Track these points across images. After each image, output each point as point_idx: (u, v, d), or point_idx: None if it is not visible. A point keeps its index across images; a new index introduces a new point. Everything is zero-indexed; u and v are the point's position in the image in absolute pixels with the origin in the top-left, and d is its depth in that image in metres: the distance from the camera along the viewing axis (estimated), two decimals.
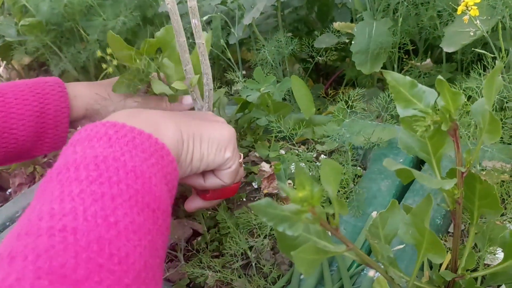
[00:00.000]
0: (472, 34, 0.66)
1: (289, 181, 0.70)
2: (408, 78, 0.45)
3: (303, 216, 0.35)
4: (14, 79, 1.38)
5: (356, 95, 0.70)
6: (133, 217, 0.39)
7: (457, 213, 0.49)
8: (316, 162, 0.82)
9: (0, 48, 1.26)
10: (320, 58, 1.03)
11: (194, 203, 0.67)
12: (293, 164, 0.80)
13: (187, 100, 0.80)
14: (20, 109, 0.71)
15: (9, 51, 1.28)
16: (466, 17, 0.56)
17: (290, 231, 0.37)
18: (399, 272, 0.50)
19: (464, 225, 0.69)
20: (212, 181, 0.62)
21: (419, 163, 0.82)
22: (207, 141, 0.58)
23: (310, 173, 0.81)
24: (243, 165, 0.88)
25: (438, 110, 0.44)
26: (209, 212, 0.75)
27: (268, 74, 0.81)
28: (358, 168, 0.81)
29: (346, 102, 0.71)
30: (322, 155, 0.85)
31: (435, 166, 0.49)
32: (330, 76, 1.25)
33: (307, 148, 0.87)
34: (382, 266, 0.48)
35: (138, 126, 0.49)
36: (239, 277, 0.64)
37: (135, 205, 0.40)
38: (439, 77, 0.41)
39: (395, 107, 0.74)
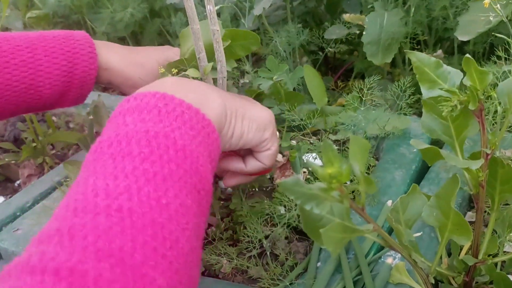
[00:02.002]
0: (491, 19, 0.65)
1: (304, 170, 0.70)
2: (433, 58, 0.44)
3: (332, 194, 0.35)
4: None
5: (372, 83, 0.70)
6: (183, 199, 0.39)
7: (480, 197, 0.49)
8: None
9: None
10: (330, 49, 1.02)
11: (235, 179, 0.66)
12: (306, 154, 0.80)
13: None
14: (49, 67, 0.71)
15: None
16: (487, 1, 0.55)
17: (317, 209, 0.36)
18: (420, 257, 0.50)
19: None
20: (253, 165, 0.62)
21: None
22: (248, 118, 0.58)
23: (322, 162, 0.81)
24: None
25: (464, 91, 0.44)
26: (221, 202, 0.75)
27: (280, 63, 0.81)
28: (371, 158, 0.81)
29: (361, 89, 0.71)
30: (334, 146, 0.84)
31: (457, 149, 0.49)
32: (338, 70, 1.24)
33: (319, 139, 0.86)
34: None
35: (185, 96, 0.49)
36: (255, 265, 0.63)
37: (184, 186, 0.40)
38: (467, 55, 0.41)
39: (409, 95, 0.74)
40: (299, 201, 0.36)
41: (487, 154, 0.45)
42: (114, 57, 0.79)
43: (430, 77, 0.44)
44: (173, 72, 0.69)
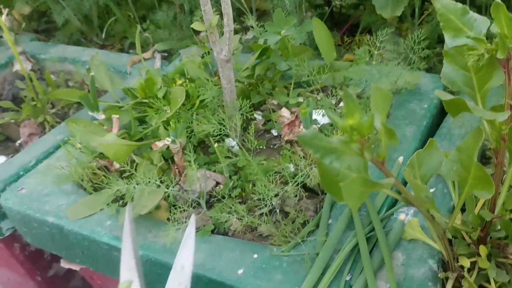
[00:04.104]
0: None
1: (314, 126, 0.68)
2: (459, 4, 0.41)
3: (353, 146, 0.33)
4: (16, 30, 1.33)
5: (384, 36, 0.67)
6: None
7: (500, 151, 0.47)
8: (336, 109, 0.80)
9: None
10: (337, 1, 0.99)
11: None
12: (313, 110, 0.78)
13: None
14: None
15: (10, 0, 1.23)
16: None
17: (337, 163, 0.34)
18: (437, 212, 0.49)
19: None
20: None
21: (443, 110, 0.80)
22: None
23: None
24: (261, 113, 0.85)
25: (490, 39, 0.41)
26: (229, 160, 0.73)
27: (287, 15, 0.78)
28: None
29: (373, 43, 0.68)
30: (342, 102, 0.82)
31: (479, 102, 0.47)
32: (344, 25, 1.20)
33: (326, 95, 0.84)
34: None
35: None
36: (265, 222, 0.62)
37: None
38: (497, 0, 0.38)
39: (422, 49, 0.71)
40: (318, 154, 0.34)
41: None
42: None
43: (455, 24, 0.42)
44: None
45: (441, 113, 0.79)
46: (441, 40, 0.97)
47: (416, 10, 0.95)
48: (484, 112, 0.39)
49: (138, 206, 0.63)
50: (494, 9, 0.39)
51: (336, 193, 0.41)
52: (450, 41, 0.43)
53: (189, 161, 0.67)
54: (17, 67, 1.09)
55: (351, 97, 0.34)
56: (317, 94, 0.85)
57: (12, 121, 0.95)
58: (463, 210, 0.59)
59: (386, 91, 0.35)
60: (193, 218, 0.51)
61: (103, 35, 1.22)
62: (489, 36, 0.42)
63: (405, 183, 0.61)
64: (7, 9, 1.12)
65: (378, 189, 0.38)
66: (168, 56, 1.10)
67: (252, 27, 0.91)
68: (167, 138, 0.67)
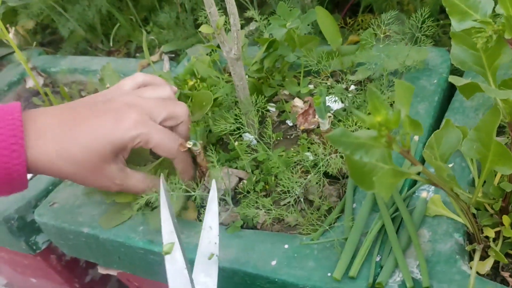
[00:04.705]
0: None
1: (329, 114, 0.70)
2: None
3: (382, 141, 0.35)
4: (22, 45, 1.35)
5: (389, 18, 0.68)
6: None
7: None
8: (348, 94, 0.81)
9: (4, 14, 1.22)
10: None
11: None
12: (326, 96, 0.79)
13: None
14: None
15: (14, 17, 1.25)
16: None
17: (366, 158, 0.36)
18: (460, 189, 0.51)
19: None
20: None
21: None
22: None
23: (343, 104, 0.80)
24: (274, 104, 0.87)
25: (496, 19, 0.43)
26: (249, 154, 0.75)
27: (290, 8, 0.79)
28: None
29: (379, 26, 0.69)
30: (352, 86, 0.84)
31: (490, 79, 0.48)
32: (344, 6, 1.21)
33: (336, 81, 0.86)
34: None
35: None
36: (292, 212, 0.65)
37: None
38: None
39: (428, 27, 0.72)
40: (348, 151, 0.36)
41: None
42: (44, 148, 0.62)
43: (460, 8, 0.43)
44: None
45: (451, 87, 0.80)
46: (443, 10, 0.98)
47: None
48: (497, 92, 0.40)
49: None
50: None
51: (365, 184, 0.42)
52: (457, 25, 0.44)
53: (212, 162, 0.69)
54: (30, 83, 1.11)
55: (375, 94, 0.36)
56: (327, 80, 0.87)
57: None
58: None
59: (408, 84, 0.37)
60: (213, 184, 0.62)
61: (111, 43, 1.24)
62: (495, 16, 0.43)
63: (423, 161, 0.63)
64: (13, 28, 1.14)
65: (408, 177, 0.40)
66: (175, 56, 1.12)
67: (255, 20, 0.92)
68: (188, 142, 0.69)
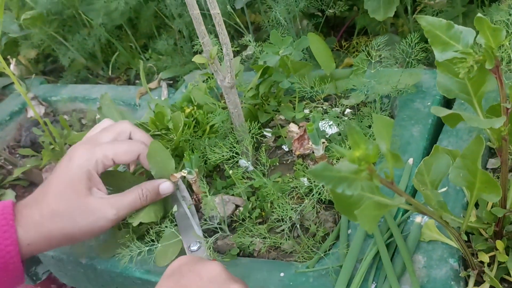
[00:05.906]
0: None
1: (323, 140, 0.70)
2: (443, 20, 0.43)
3: (362, 175, 0.35)
4: (23, 75, 1.38)
5: (379, 44, 0.69)
6: None
7: (503, 150, 0.49)
8: (342, 118, 0.82)
9: (6, 45, 1.25)
10: (330, 11, 1.01)
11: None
12: (320, 121, 0.80)
13: (165, 188, 0.72)
14: None
15: (15, 47, 1.27)
16: None
17: (349, 191, 0.37)
18: (451, 215, 0.51)
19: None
20: None
21: (446, 104, 0.81)
22: None
23: (338, 128, 0.81)
24: (270, 130, 0.88)
25: (477, 49, 0.43)
26: (245, 181, 0.76)
27: (283, 35, 0.80)
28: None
29: (369, 53, 0.70)
30: (347, 109, 0.84)
31: (476, 106, 0.49)
32: (339, 28, 1.22)
33: (331, 105, 0.86)
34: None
35: None
36: (287, 239, 0.65)
37: None
38: (479, 15, 0.40)
39: (418, 51, 0.73)
40: (330, 185, 0.36)
41: (507, 109, 0.45)
42: (32, 234, 0.64)
43: (442, 39, 0.44)
44: None
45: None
46: None
47: (409, 7, 0.97)
48: (480, 121, 0.41)
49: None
50: (477, 23, 0.41)
51: (351, 215, 0.43)
52: (439, 55, 0.45)
53: (204, 192, 0.69)
54: (31, 113, 1.13)
55: (355, 130, 0.36)
56: (322, 104, 0.87)
57: (34, 167, 0.99)
58: (476, 205, 0.61)
59: (387, 118, 0.38)
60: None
61: (110, 71, 1.26)
62: (477, 46, 0.44)
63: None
64: (14, 59, 1.16)
65: (392, 208, 0.40)
66: (173, 83, 1.14)
67: (251, 41, 0.93)
68: (183, 170, 0.70)
